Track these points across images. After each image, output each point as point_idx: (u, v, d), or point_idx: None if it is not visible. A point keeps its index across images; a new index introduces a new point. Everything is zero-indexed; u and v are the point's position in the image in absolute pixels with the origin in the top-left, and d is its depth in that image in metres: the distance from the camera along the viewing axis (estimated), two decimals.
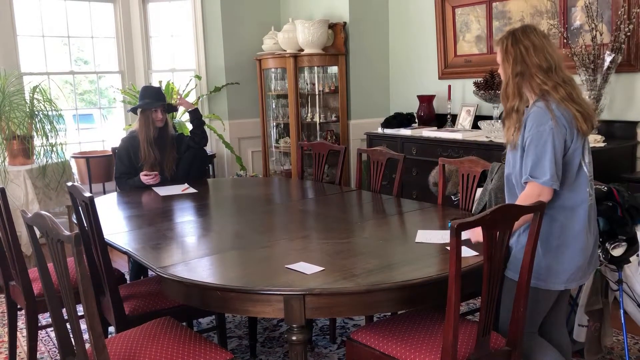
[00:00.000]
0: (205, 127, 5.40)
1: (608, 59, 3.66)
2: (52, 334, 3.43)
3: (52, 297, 2.00)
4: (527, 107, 2.18)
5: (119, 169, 3.86)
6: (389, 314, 2.67)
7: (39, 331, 3.05)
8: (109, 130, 5.78)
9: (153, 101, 3.78)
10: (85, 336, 1.96)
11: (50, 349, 3.27)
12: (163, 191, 3.61)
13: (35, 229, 1.98)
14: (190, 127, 4.18)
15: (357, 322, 3.46)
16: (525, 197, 2.10)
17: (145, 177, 3.71)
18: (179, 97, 4.13)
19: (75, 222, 2.75)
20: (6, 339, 3.30)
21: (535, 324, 2.25)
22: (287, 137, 5.57)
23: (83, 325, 1.94)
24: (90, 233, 2.49)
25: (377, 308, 2.07)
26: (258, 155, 5.89)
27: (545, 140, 2.06)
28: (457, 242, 1.73)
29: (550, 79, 2.11)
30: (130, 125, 5.34)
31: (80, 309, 2.04)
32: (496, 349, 2.08)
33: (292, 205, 3.26)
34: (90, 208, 2.40)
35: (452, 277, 1.77)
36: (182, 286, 2.15)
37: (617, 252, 2.53)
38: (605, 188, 2.56)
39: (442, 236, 2.42)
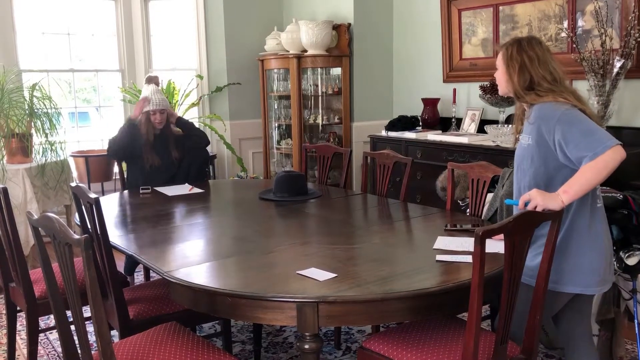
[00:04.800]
0: (205, 127, 5.38)
1: (617, 64, 3.61)
2: (51, 337, 3.35)
3: (57, 302, 1.93)
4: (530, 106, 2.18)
5: (117, 143, 3.83)
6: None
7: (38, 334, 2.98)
8: (107, 129, 5.70)
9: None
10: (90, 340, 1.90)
11: (49, 351, 3.19)
12: (170, 191, 3.62)
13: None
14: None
15: (362, 328, 3.41)
16: (604, 163, 1.93)
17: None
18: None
19: (78, 223, 2.68)
20: (4, 341, 3.24)
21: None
22: (288, 139, 5.51)
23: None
24: (94, 235, 2.43)
25: (391, 317, 2.01)
26: (259, 157, 5.83)
27: (578, 116, 2.03)
28: (481, 249, 1.68)
29: (557, 87, 2.11)
30: None
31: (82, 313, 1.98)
32: (511, 357, 2.04)
33: (298, 208, 3.19)
34: (95, 210, 2.34)
35: (474, 285, 1.72)
36: (190, 291, 2.09)
37: (632, 261, 2.49)
38: (621, 196, 2.53)
39: (462, 243, 2.36)
